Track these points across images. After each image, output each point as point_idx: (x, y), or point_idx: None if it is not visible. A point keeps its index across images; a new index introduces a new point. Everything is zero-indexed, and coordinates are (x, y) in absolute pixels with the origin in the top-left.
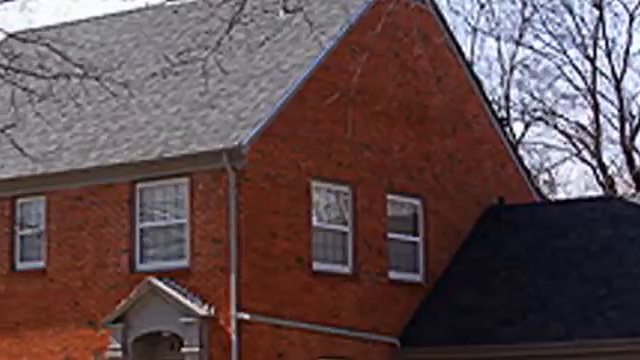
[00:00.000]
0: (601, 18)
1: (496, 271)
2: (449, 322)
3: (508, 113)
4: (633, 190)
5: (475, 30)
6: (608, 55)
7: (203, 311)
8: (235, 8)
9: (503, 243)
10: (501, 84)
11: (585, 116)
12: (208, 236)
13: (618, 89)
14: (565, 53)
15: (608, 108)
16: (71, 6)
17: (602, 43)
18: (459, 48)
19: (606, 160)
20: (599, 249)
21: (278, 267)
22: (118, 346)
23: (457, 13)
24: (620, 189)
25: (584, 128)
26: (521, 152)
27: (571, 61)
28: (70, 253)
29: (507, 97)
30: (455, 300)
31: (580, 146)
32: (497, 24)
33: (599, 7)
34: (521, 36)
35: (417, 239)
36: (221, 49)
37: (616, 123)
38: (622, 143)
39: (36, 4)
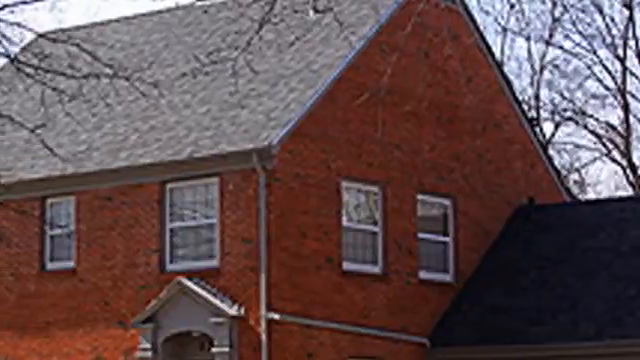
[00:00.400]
0: (631, 18)
1: (526, 271)
2: (479, 322)
3: (538, 113)
4: None
5: (505, 30)
6: (638, 55)
7: (233, 311)
8: (265, 8)
9: (533, 243)
10: (531, 84)
11: (615, 116)
12: (238, 236)
13: None
14: (595, 53)
15: (638, 108)
16: (101, 6)
17: (632, 43)
18: (489, 48)
19: (636, 160)
20: (629, 249)
21: (308, 267)
22: (148, 346)
23: (487, 13)
24: None
25: (614, 128)
26: (551, 152)
27: (601, 61)
28: (100, 253)
29: (537, 97)
30: (485, 300)
31: (610, 146)
32: (527, 24)
33: (629, 7)
34: (551, 36)
35: (447, 239)
36: (251, 49)
37: None
38: None
39: (66, 4)
